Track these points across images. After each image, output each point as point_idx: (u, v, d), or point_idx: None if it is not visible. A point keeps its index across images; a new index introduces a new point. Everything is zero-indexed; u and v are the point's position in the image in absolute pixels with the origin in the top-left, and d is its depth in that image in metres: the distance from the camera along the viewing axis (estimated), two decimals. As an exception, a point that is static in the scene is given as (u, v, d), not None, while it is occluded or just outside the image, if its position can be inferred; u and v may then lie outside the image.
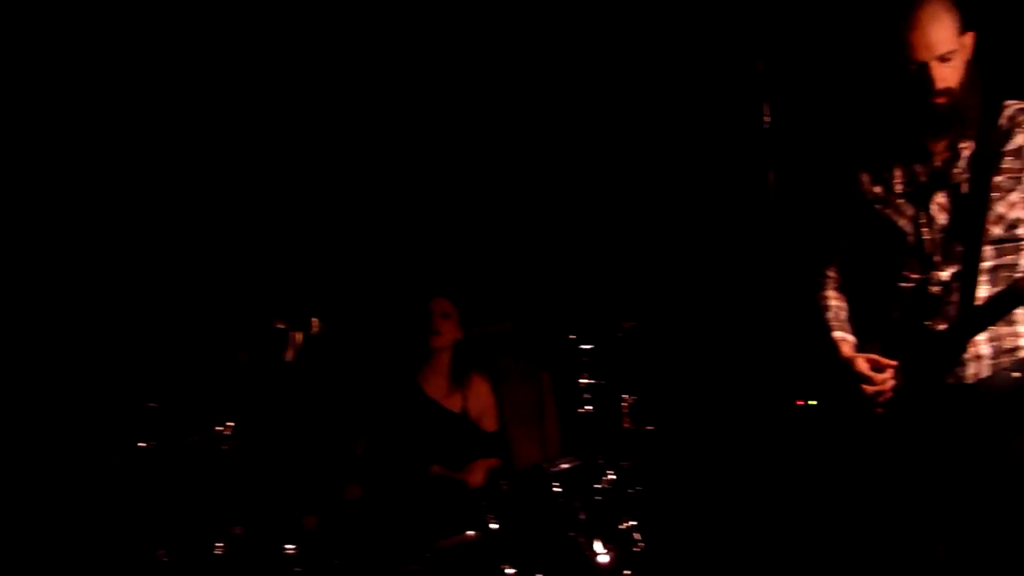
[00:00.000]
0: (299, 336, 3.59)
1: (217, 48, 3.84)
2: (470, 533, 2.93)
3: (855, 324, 2.54)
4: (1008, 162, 2.24)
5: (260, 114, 3.96)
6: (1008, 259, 2.27)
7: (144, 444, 2.78)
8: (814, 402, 3.25)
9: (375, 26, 3.86)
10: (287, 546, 2.88)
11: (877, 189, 2.42)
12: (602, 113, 3.91)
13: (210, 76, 3.89)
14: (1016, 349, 2.27)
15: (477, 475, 3.33)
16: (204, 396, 3.25)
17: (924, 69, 2.21)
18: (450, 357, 3.52)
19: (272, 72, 3.92)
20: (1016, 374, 2.25)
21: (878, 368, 2.36)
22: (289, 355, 3.37)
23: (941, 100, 2.23)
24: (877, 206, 2.41)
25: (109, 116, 3.83)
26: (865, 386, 2.36)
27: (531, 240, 4.04)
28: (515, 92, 3.96)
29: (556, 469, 2.87)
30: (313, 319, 3.64)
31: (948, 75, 2.22)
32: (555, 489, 2.83)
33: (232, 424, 2.85)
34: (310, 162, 4.06)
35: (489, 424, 3.53)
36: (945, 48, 2.20)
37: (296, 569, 2.85)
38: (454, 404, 3.50)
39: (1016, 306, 2.19)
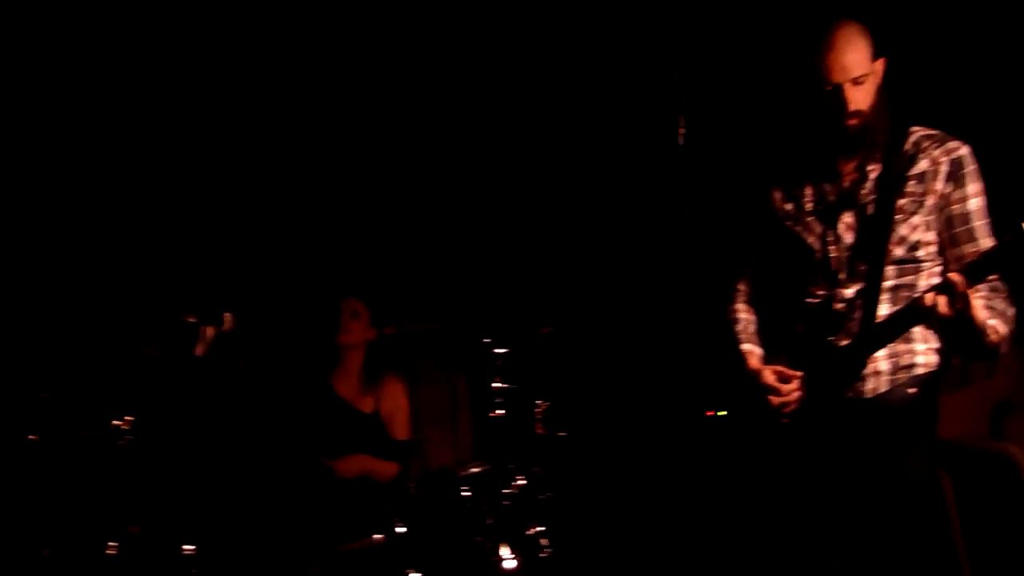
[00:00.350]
0: (210, 331, 3.50)
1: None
2: (376, 537, 2.89)
3: (764, 337, 2.60)
4: (912, 186, 2.31)
5: (173, 108, 3.85)
6: (908, 279, 2.33)
7: (33, 437, 2.66)
8: (724, 412, 3.30)
9: (294, 27, 3.80)
10: (185, 547, 2.80)
11: (788, 206, 2.47)
12: (523, 120, 3.92)
13: (127, 67, 3.79)
14: (912, 366, 2.34)
15: (350, 466, 3.26)
16: (104, 389, 3.14)
17: (838, 91, 2.26)
18: (362, 357, 3.47)
19: (185, 67, 3.82)
20: (911, 390, 2.33)
21: (784, 380, 2.41)
22: (199, 350, 3.28)
23: (853, 122, 2.29)
24: (787, 223, 2.47)
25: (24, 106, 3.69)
26: (771, 397, 2.42)
27: (451, 243, 4.03)
28: (439, 97, 3.95)
29: (465, 473, 2.85)
30: (226, 314, 3.55)
31: (860, 98, 2.28)
32: (464, 493, 2.81)
33: (131, 418, 2.75)
34: (225, 155, 3.97)
35: (399, 426, 3.47)
36: (859, 71, 2.26)
37: (194, 571, 2.77)
38: (366, 405, 3.45)
39: (914, 325, 2.26)
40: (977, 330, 2.08)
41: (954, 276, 2.04)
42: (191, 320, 3.39)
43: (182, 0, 3.73)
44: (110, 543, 2.71)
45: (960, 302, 2.05)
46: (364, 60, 3.92)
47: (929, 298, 2.09)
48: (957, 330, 2.10)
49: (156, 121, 3.88)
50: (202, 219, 3.95)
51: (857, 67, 2.26)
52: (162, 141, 3.90)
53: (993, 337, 2.13)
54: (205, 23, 3.76)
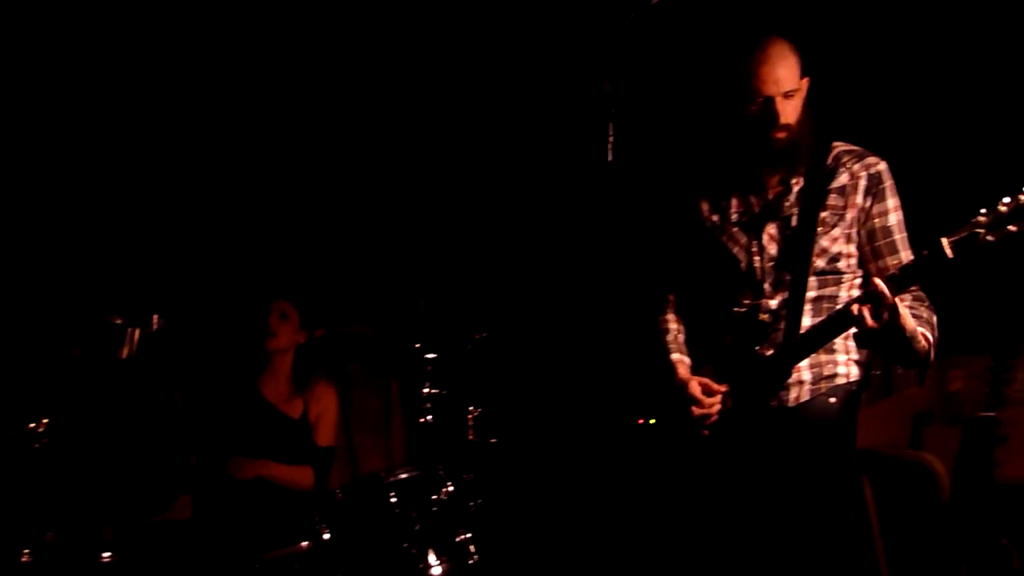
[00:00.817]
0: (137, 333, 3.42)
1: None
2: (303, 544, 2.84)
3: (692, 346, 2.63)
4: (832, 199, 2.37)
5: (98, 110, 3.76)
6: (830, 290, 2.38)
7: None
8: (653, 421, 3.33)
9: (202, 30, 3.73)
10: (103, 554, 2.72)
11: (715, 217, 2.51)
12: (452, 125, 3.92)
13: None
14: (834, 376, 2.39)
15: (244, 468, 3.19)
16: (22, 391, 3.04)
17: (770, 104, 2.31)
18: (291, 361, 3.41)
19: (120, 70, 3.74)
20: (832, 399, 2.37)
21: (708, 392, 2.44)
22: (124, 352, 3.20)
23: (782, 135, 2.33)
24: (714, 234, 2.50)
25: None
26: (693, 408, 2.44)
27: (384, 247, 4.00)
28: (374, 100, 3.92)
29: (394, 479, 2.83)
30: (154, 315, 3.47)
31: (790, 112, 2.33)
32: (392, 499, 2.78)
33: (47, 421, 2.67)
34: (155, 154, 3.88)
35: (324, 431, 3.41)
36: (789, 86, 2.31)
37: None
38: (294, 409, 3.38)
39: (835, 335, 2.30)
40: (907, 338, 2.12)
41: (881, 286, 2.07)
42: (117, 321, 3.31)
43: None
44: (25, 550, 2.61)
45: (887, 312, 2.09)
46: (293, 64, 3.86)
47: (855, 309, 2.12)
48: (886, 340, 2.13)
49: (77, 121, 3.77)
50: (129, 218, 3.85)
51: (788, 81, 2.31)
52: (88, 140, 3.80)
53: (924, 344, 2.17)
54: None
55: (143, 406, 3.50)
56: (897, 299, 2.09)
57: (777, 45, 2.33)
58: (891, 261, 2.33)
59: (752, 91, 2.31)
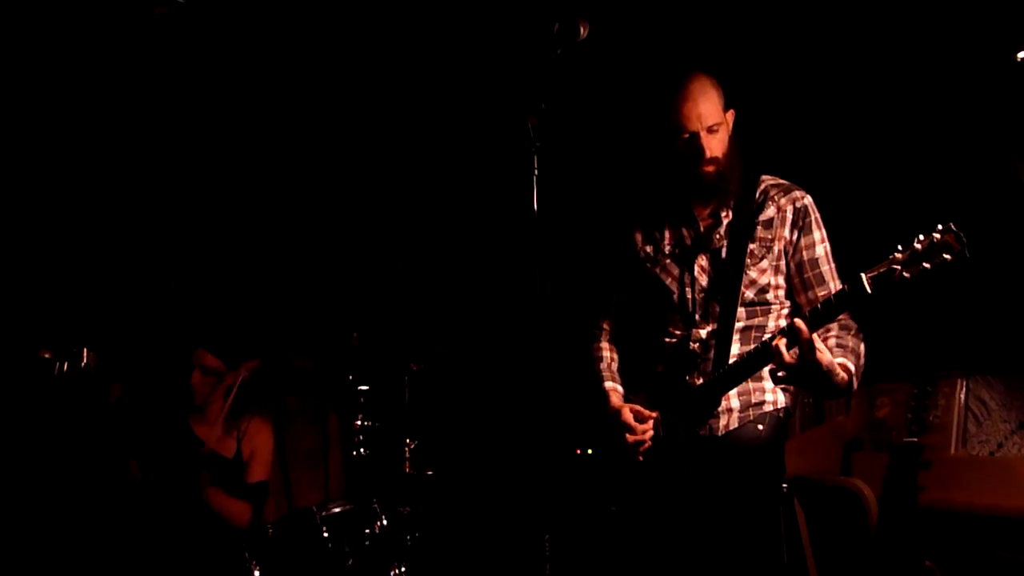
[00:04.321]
0: (66, 367, 3.34)
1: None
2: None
3: (625, 375, 2.66)
4: (760, 232, 2.43)
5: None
6: (758, 320, 2.44)
7: None
8: (590, 451, 3.35)
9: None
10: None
11: (648, 248, 2.55)
12: (385, 152, 3.93)
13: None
14: (762, 403, 2.44)
15: (211, 498, 3.13)
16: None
17: (695, 138, 2.36)
18: (221, 401, 3.31)
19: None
20: (760, 426, 2.42)
21: (640, 419, 2.47)
22: (52, 386, 3.12)
23: (709, 168, 2.38)
24: (647, 264, 2.54)
25: None
26: (627, 435, 2.46)
27: (320, 279, 3.97)
28: (301, 134, 3.91)
29: (326, 513, 2.78)
30: (84, 350, 3.40)
31: (715, 146, 2.39)
32: (324, 534, 2.74)
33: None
34: (84, 185, 3.80)
35: (257, 467, 3.33)
36: (713, 120, 2.37)
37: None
38: (227, 448, 3.31)
39: (763, 365, 2.33)
40: (824, 372, 2.16)
41: (798, 323, 2.13)
42: (46, 355, 3.24)
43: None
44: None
45: (805, 347, 2.13)
46: (226, 95, 3.83)
47: (776, 344, 2.17)
48: (805, 374, 2.17)
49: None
50: (61, 250, 3.76)
51: (711, 116, 2.36)
52: (15, 171, 3.70)
53: (842, 375, 2.21)
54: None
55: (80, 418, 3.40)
56: (816, 334, 2.14)
57: (698, 81, 2.38)
58: (820, 292, 2.38)
59: (677, 127, 2.36)
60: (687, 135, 2.36)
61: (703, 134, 2.36)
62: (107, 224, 3.82)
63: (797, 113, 3.53)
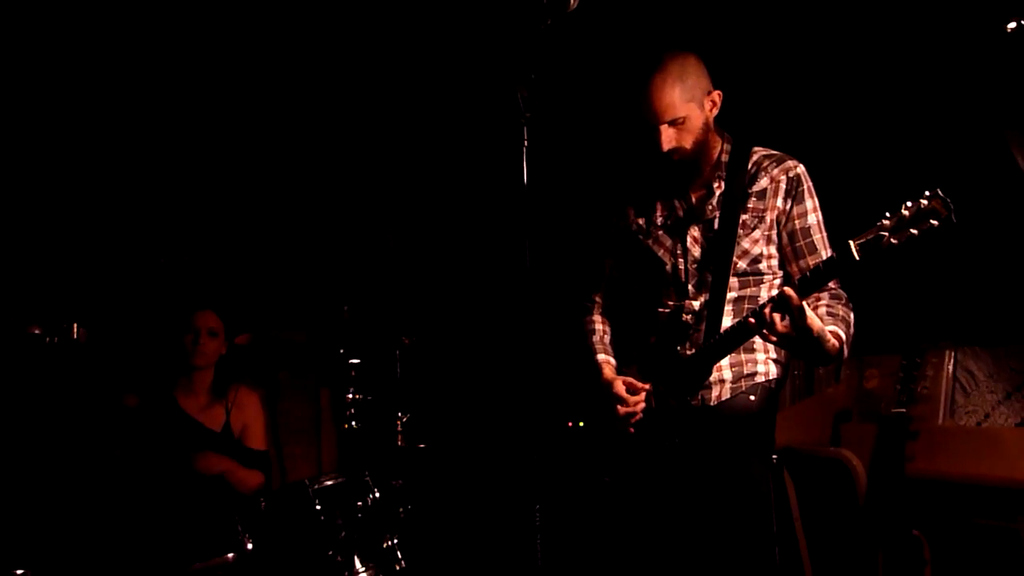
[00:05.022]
0: (56, 341, 3.32)
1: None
2: (228, 556, 2.78)
3: (618, 347, 2.67)
4: (753, 202, 2.43)
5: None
6: (751, 291, 2.45)
7: None
8: (582, 424, 3.36)
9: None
10: (16, 571, 2.63)
11: (640, 220, 2.56)
12: (374, 125, 3.90)
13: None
14: (754, 374, 2.45)
15: (210, 462, 3.13)
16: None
17: (653, 132, 2.36)
18: (212, 372, 3.31)
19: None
20: (752, 397, 2.43)
21: (632, 391, 2.48)
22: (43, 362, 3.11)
23: (673, 158, 2.39)
24: (640, 236, 2.55)
25: None
26: (619, 407, 2.48)
27: (310, 252, 3.95)
28: (294, 107, 3.88)
29: (319, 486, 2.79)
30: (75, 324, 3.38)
31: (678, 137, 2.37)
32: (316, 507, 2.75)
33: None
34: (73, 162, 3.77)
35: (255, 437, 3.35)
36: (673, 113, 2.35)
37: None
38: (214, 421, 3.29)
39: (754, 334, 2.33)
40: (815, 339, 2.17)
41: (788, 291, 2.14)
42: (35, 331, 3.22)
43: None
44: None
45: (796, 314, 2.15)
46: (219, 69, 3.79)
47: (767, 312, 2.18)
48: (796, 340, 2.19)
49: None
50: (49, 226, 3.73)
51: (672, 108, 2.35)
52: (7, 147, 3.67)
53: (833, 343, 2.23)
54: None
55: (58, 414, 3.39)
56: (807, 301, 2.15)
57: (663, 71, 2.35)
58: (811, 260, 2.39)
59: (639, 118, 2.37)
60: (647, 128, 2.37)
61: (662, 128, 2.35)
62: (97, 200, 3.79)
63: (789, 84, 3.52)
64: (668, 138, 2.36)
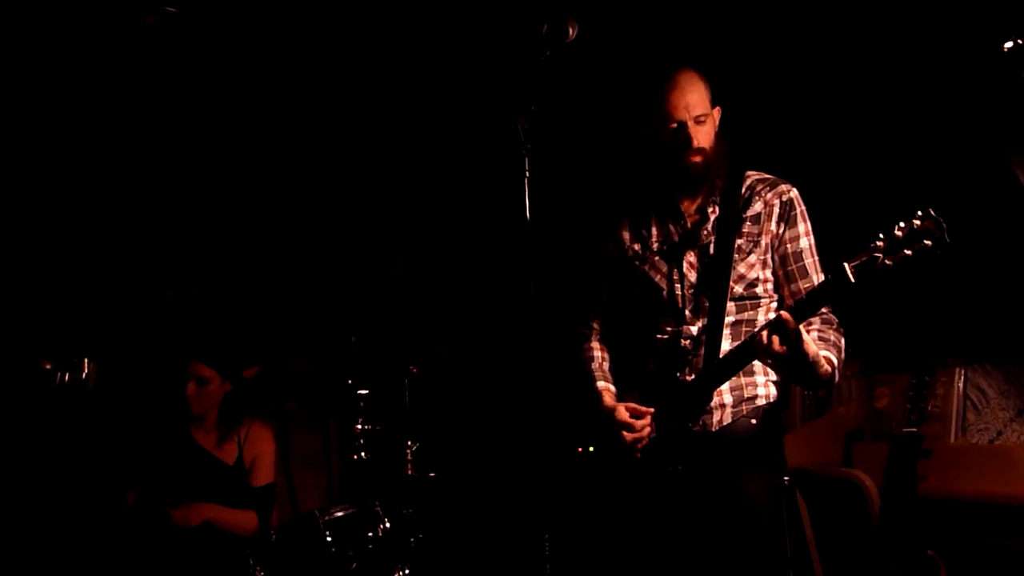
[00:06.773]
0: (67, 377, 3.36)
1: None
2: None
3: (617, 374, 2.67)
4: (748, 226, 2.44)
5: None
6: (748, 315, 2.45)
7: None
8: (592, 449, 3.36)
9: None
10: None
11: (636, 246, 2.57)
12: (377, 153, 3.94)
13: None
14: (755, 397, 2.45)
15: (188, 514, 3.10)
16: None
17: (683, 127, 2.38)
18: (219, 410, 3.30)
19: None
20: (753, 420, 2.43)
21: (636, 416, 2.48)
22: (53, 397, 3.14)
23: (697, 159, 2.41)
24: (636, 262, 2.56)
25: None
26: (625, 433, 2.48)
27: (317, 284, 3.98)
28: (297, 136, 3.92)
29: (329, 517, 2.80)
30: (85, 360, 3.41)
31: (702, 136, 2.40)
32: (327, 538, 2.76)
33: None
34: (83, 193, 3.82)
35: (261, 471, 3.34)
36: (700, 110, 2.39)
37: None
38: (228, 454, 3.30)
39: (753, 359, 2.34)
40: (810, 363, 2.18)
41: (785, 315, 2.15)
42: (46, 366, 3.26)
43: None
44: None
45: (793, 338, 2.16)
46: (212, 97, 3.84)
47: (764, 336, 2.19)
48: (792, 364, 2.19)
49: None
50: (59, 258, 3.78)
51: (699, 106, 2.39)
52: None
53: (826, 368, 2.24)
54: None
55: (83, 439, 3.41)
56: (802, 326, 2.16)
57: (686, 73, 2.42)
58: (803, 284, 2.40)
59: (665, 116, 2.39)
60: (675, 124, 2.38)
61: (690, 123, 2.38)
62: (105, 234, 3.84)
63: (784, 105, 3.54)
64: (696, 134, 2.38)
